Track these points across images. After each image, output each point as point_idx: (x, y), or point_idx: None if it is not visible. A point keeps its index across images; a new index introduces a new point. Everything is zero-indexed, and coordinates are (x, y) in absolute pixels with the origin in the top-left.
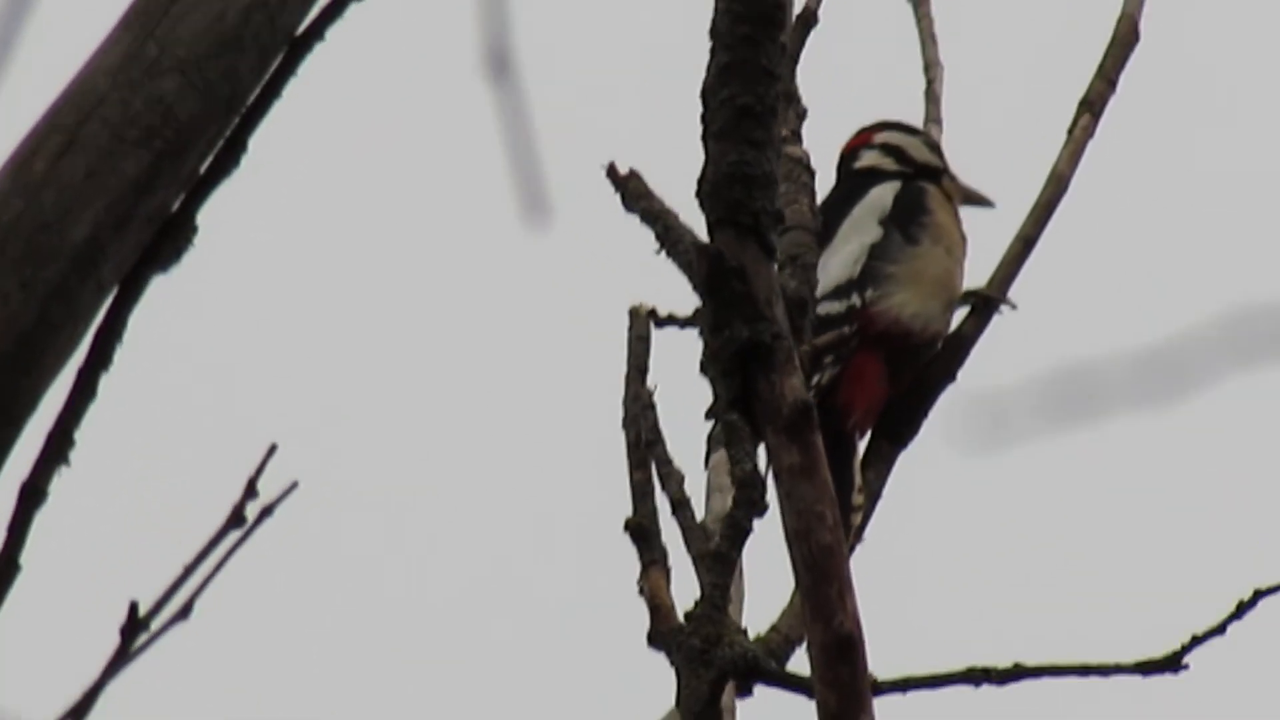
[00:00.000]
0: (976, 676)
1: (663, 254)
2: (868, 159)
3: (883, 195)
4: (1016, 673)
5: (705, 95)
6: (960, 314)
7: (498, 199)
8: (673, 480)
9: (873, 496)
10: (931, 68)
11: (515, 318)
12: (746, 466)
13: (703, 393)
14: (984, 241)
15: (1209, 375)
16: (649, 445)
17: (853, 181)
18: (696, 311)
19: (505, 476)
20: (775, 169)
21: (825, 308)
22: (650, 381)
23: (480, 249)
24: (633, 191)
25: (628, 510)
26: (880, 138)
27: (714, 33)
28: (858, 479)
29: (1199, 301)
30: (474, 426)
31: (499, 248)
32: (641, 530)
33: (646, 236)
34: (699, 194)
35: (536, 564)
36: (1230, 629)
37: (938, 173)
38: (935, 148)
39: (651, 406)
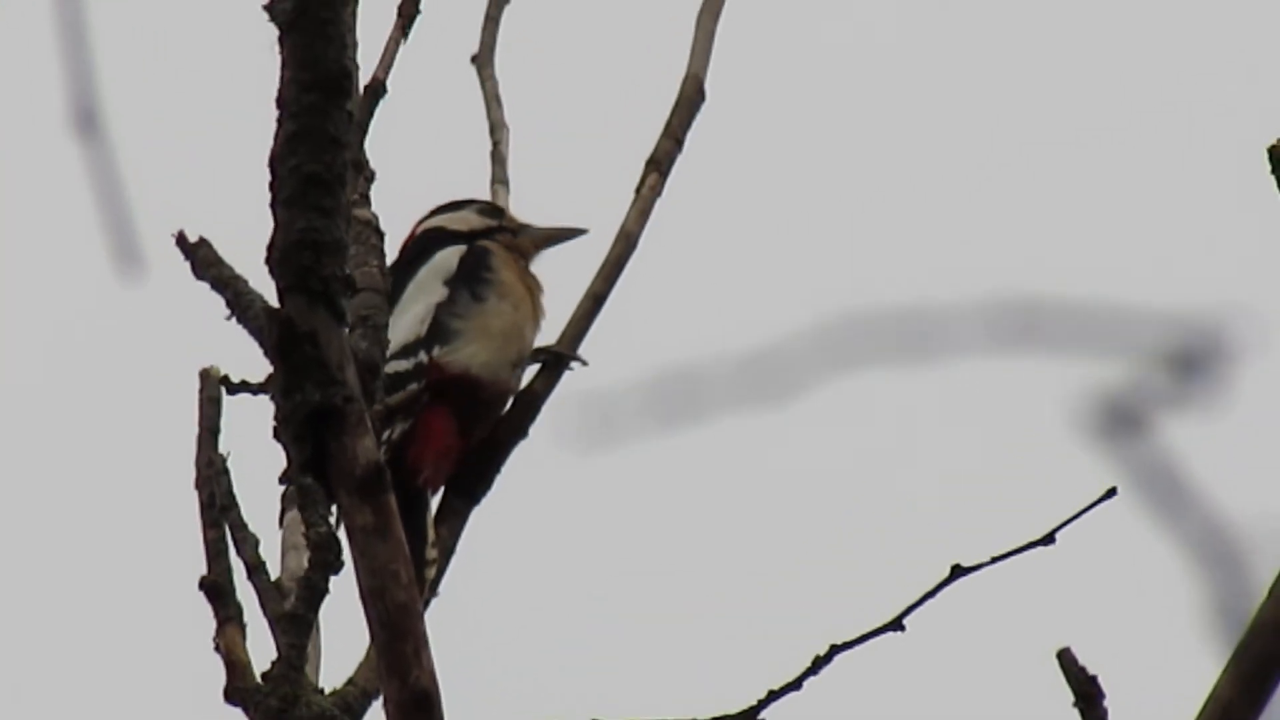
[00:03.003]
0: None
1: (234, 320)
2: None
3: (448, 257)
4: None
5: (273, 163)
6: (531, 371)
7: (91, 252)
8: (248, 545)
9: (446, 552)
10: (497, 129)
11: (97, 374)
12: (321, 529)
13: (277, 456)
14: (555, 299)
15: (808, 378)
16: (224, 510)
17: (419, 245)
18: (269, 378)
19: (79, 533)
20: (344, 235)
21: (393, 366)
22: (224, 446)
23: (72, 302)
24: (202, 259)
25: (203, 569)
26: (421, 229)
27: (281, 101)
28: (431, 534)
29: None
30: (52, 483)
31: (91, 301)
32: (217, 588)
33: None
34: (269, 260)
35: (112, 624)
36: (806, 683)
37: (496, 233)
38: (488, 211)
39: (225, 471)
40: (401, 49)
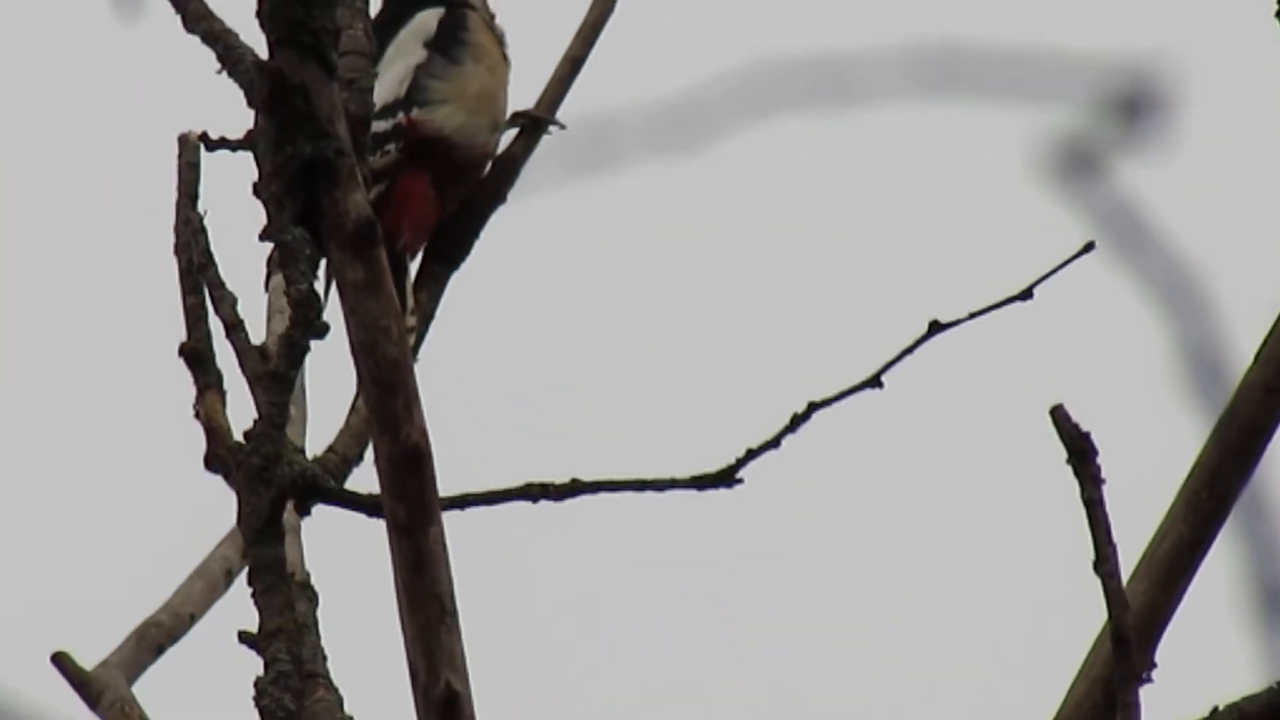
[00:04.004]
0: (534, 492)
1: (224, 74)
2: None
3: (426, 20)
4: (573, 488)
5: None
6: (509, 136)
7: None
8: (225, 304)
9: (426, 318)
10: None
11: (87, 129)
12: (303, 286)
13: (257, 216)
14: (533, 63)
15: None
16: (201, 269)
17: (397, 7)
18: (249, 134)
19: (55, 299)
20: None
21: (373, 127)
22: (201, 206)
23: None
24: (193, 12)
25: (182, 336)
26: None
27: None
28: (411, 300)
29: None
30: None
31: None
32: (196, 354)
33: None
34: (259, 14)
35: (91, 389)
36: (784, 442)
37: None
38: None
39: (202, 230)
40: None
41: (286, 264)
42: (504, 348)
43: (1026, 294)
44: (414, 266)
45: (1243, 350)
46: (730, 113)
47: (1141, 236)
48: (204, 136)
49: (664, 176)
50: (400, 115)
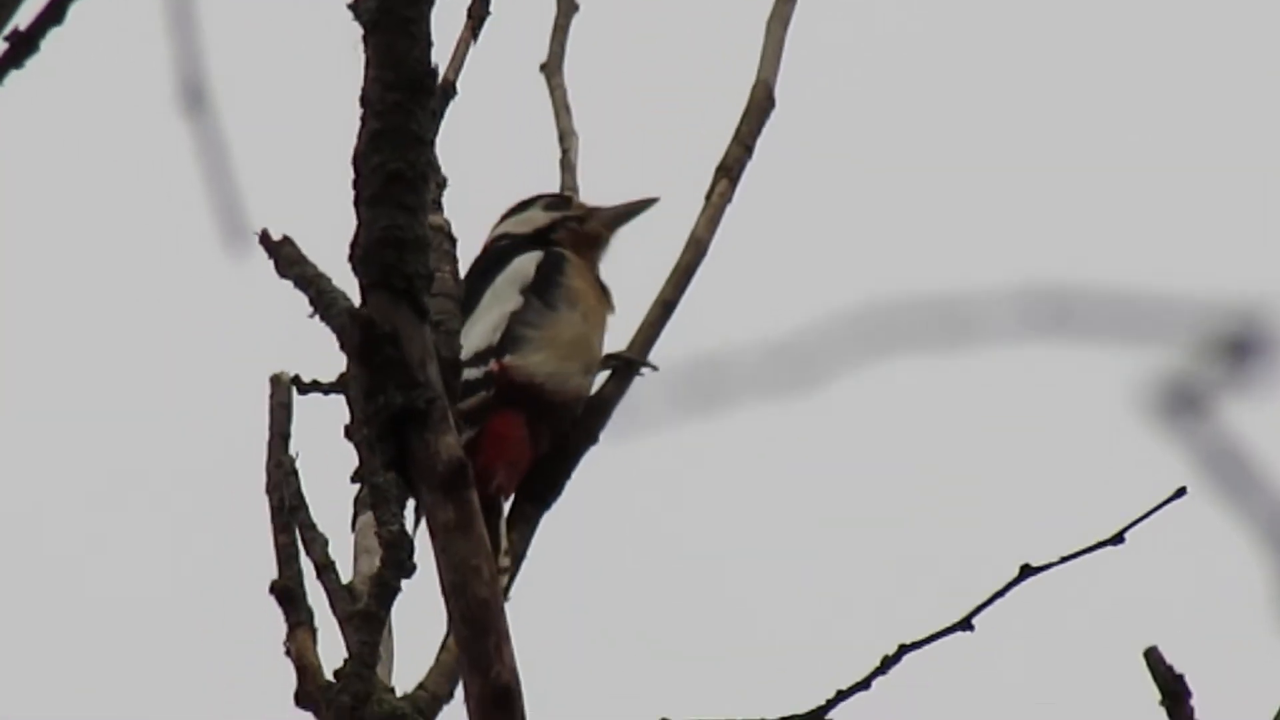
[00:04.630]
0: None
1: (316, 318)
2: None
3: (524, 264)
4: None
5: (357, 161)
6: (602, 377)
7: (196, 229)
8: (317, 545)
9: (517, 558)
10: (566, 137)
11: (183, 365)
12: (394, 528)
13: (348, 457)
14: (627, 306)
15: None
16: (292, 510)
17: (493, 253)
18: (340, 377)
19: (154, 529)
20: (427, 233)
21: (466, 374)
22: (294, 447)
23: (176, 283)
24: (286, 257)
25: (274, 573)
26: (492, 237)
27: (364, 100)
28: (504, 541)
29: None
30: (130, 486)
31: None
32: (288, 592)
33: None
34: (352, 258)
35: (186, 627)
36: (875, 683)
37: (565, 224)
38: (555, 204)
39: (294, 472)
40: (471, 50)
41: (378, 505)
42: (595, 587)
43: (1118, 538)
44: (506, 506)
45: None
46: (838, 353)
47: (1245, 477)
48: (296, 379)
49: (770, 417)
50: (493, 362)
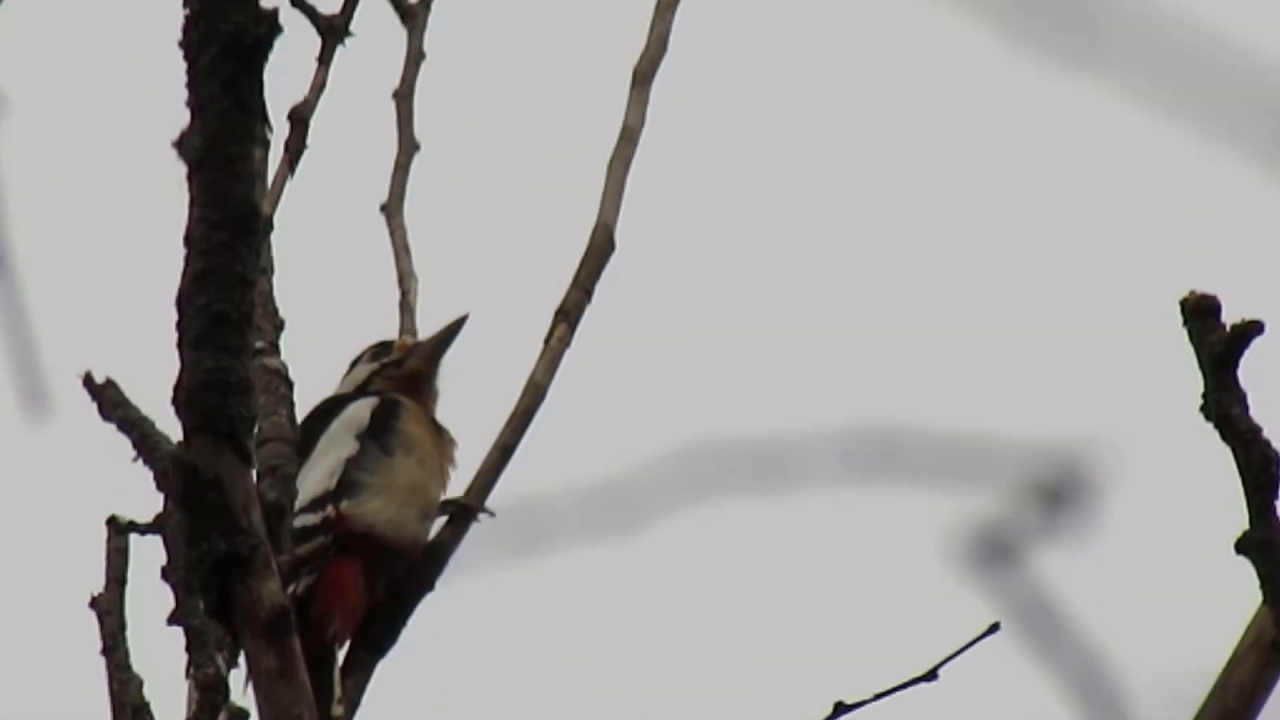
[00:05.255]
0: None
1: (139, 462)
2: None
3: (360, 411)
4: None
5: (180, 302)
6: (439, 524)
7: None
8: (131, 685)
9: (352, 704)
10: (406, 279)
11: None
12: (209, 670)
13: (166, 596)
14: (465, 450)
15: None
16: (109, 650)
17: (330, 400)
18: (157, 518)
19: None
20: (250, 376)
21: (302, 520)
22: (112, 588)
23: None
24: (109, 400)
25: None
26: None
27: (188, 239)
28: (338, 689)
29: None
30: None
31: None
32: None
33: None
34: (175, 401)
35: None
36: None
37: (386, 370)
38: (376, 352)
39: (109, 612)
40: (288, 185)
41: (193, 647)
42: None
43: (931, 675)
44: (342, 654)
45: None
46: (664, 496)
47: (1053, 625)
48: (113, 520)
49: (599, 560)
50: (329, 508)
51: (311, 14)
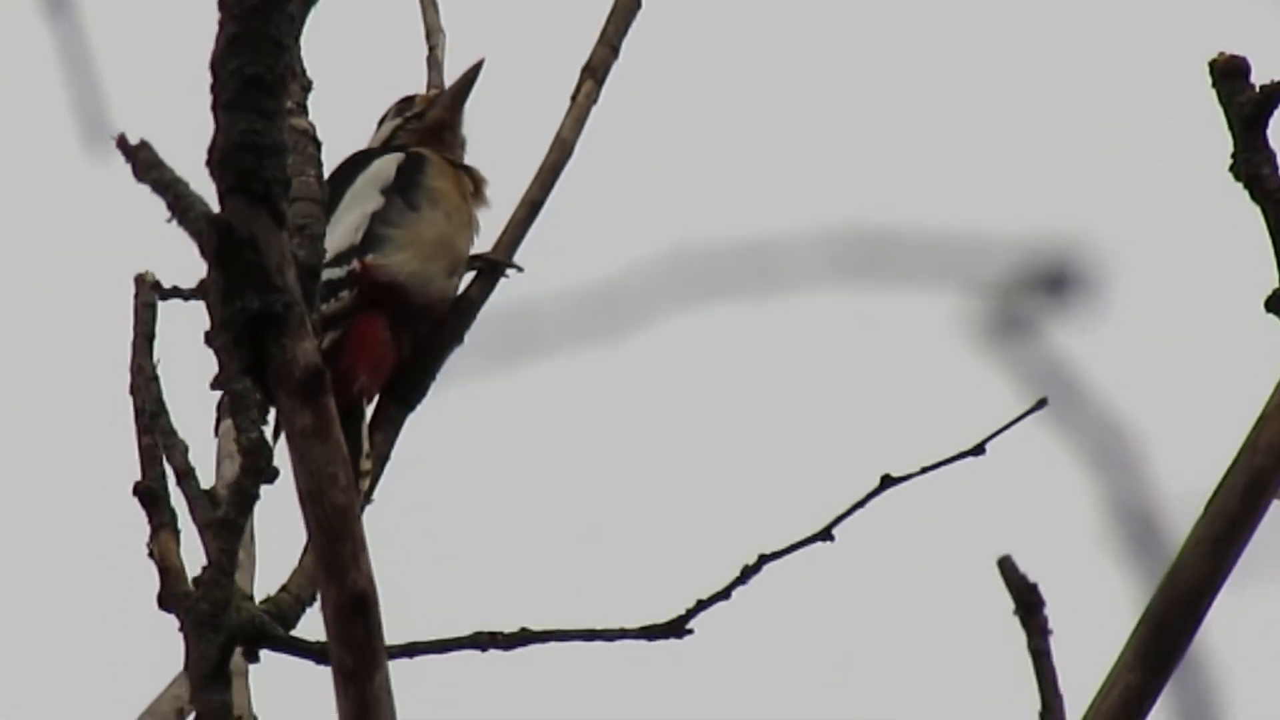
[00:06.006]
0: (483, 641)
1: (174, 223)
2: None
3: (385, 165)
4: (523, 637)
5: (214, 66)
6: (468, 279)
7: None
8: (177, 451)
9: (381, 459)
10: (433, 34)
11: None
12: (252, 434)
13: (208, 363)
14: (493, 207)
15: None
16: (153, 416)
17: (356, 156)
18: (201, 284)
19: (16, 431)
20: (285, 139)
21: (327, 274)
22: (157, 353)
23: (37, 186)
24: (143, 161)
25: (137, 475)
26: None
27: (222, 4)
28: (366, 443)
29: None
30: None
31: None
32: (151, 493)
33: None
34: (209, 163)
35: (48, 528)
36: (735, 593)
37: (409, 124)
38: (400, 108)
39: (155, 378)
40: None
41: (237, 412)
42: (458, 495)
43: (979, 449)
44: (370, 408)
45: (1177, 506)
46: (653, 299)
47: (1075, 398)
48: (157, 285)
49: (591, 364)
50: (354, 261)
51: None
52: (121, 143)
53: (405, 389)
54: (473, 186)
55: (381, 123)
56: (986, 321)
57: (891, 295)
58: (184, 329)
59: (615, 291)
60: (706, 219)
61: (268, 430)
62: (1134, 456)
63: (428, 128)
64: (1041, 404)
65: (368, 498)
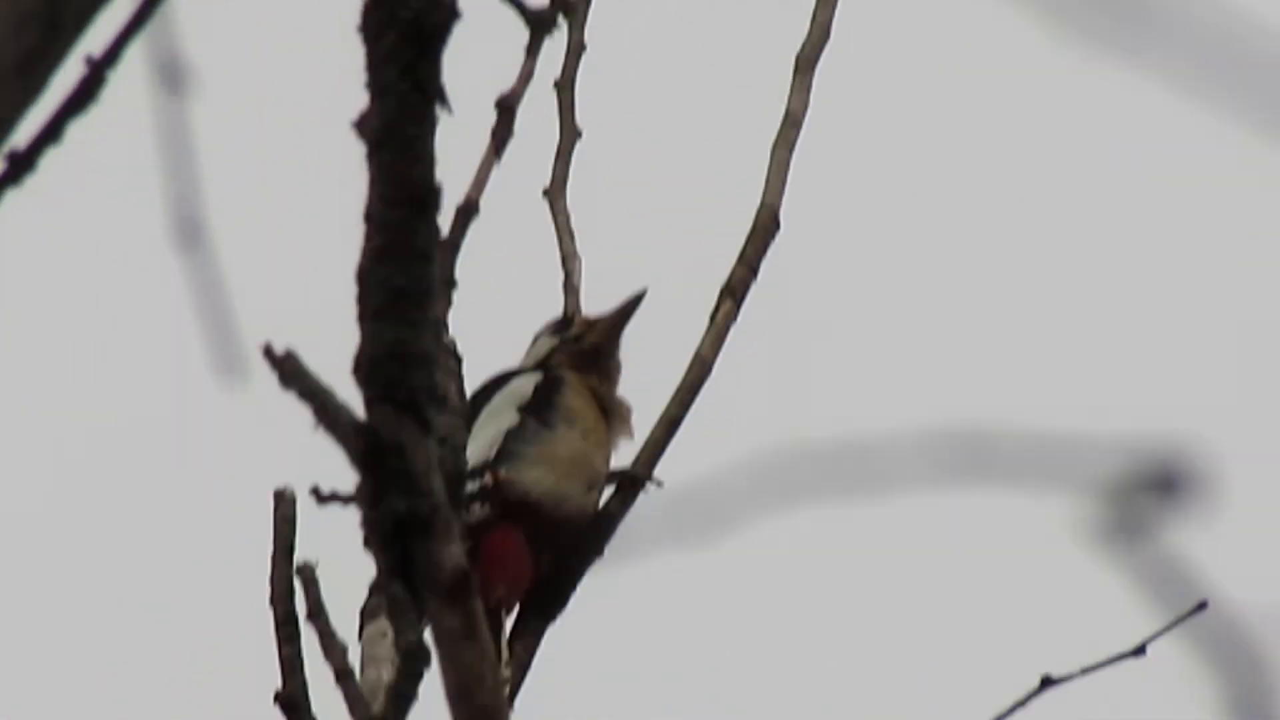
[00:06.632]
0: None
1: (321, 431)
2: None
3: (523, 385)
4: None
5: (361, 277)
6: (608, 494)
7: (192, 364)
8: (336, 651)
9: (522, 669)
10: (569, 260)
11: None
12: (411, 638)
13: (361, 568)
14: (635, 437)
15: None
16: (312, 616)
17: (498, 376)
18: (358, 489)
19: (162, 644)
20: (433, 348)
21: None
22: (312, 557)
23: (171, 411)
24: (289, 371)
25: (279, 684)
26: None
27: (368, 216)
28: (505, 652)
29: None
30: (145, 598)
31: (190, 412)
32: (292, 702)
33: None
34: (355, 372)
35: None
36: None
37: (566, 345)
38: (556, 327)
39: (314, 581)
40: (495, 171)
41: (396, 615)
42: (601, 697)
43: (1140, 650)
44: (510, 621)
45: None
46: (755, 499)
47: (1193, 596)
48: (315, 490)
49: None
50: (487, 475)
51: (520, 6)
52: (268, 352)
53: (546, 601)
54: (620, 416)
55: (536, 340)
56: (1104, 523)
57: (999, 496)
58: (334, 537)
59: (711, 490)
60: (817, 418)
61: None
62: (1254, 654)
63: (585, 351)
64: (1203, 606)
65: (509, 705)
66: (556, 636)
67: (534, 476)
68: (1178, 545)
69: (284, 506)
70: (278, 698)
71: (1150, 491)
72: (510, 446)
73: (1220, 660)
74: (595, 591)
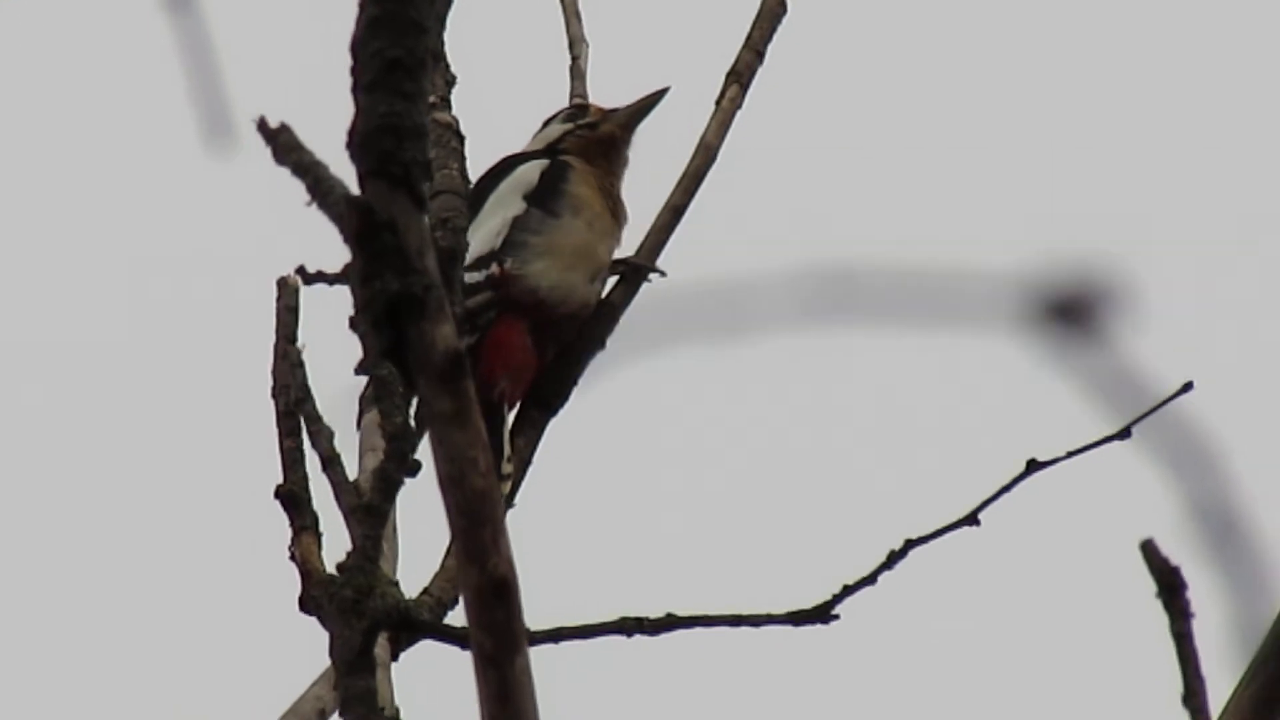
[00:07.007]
0: (629, 626)
1: (314, 207)
2: None
3: (528, 172)
4: (669, 622)
5: (354, 48)
6: (610, 283)
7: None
8: (322, 437)
9: (523, 463)
10: (576, 44)
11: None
12: (397, 420)
13: (353, 350)
14: (636, 211)
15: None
16: (298, 403)
17: (504, 160)
18: (346, 268)
19: (152, 435)
20: (425, 121)
21: (467, 277)
22: (300, 339)
23: (161, 184)
24: (283, 144)
25: (279, 478)
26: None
27: None
28: (507, 447)
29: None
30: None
31: (180, 182)
32: (293, 496)
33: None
34: (349, 146)
35: (190, 531)
36: (881, 578)
37: (579, 131)
38: (572, 114)
39: (300, 365)
40: None
41: (381, 398)
42: (602, 488)
43: (1124, 433)
44: (511, 413)
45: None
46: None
47: (1139, 398)
48: (301, 269)
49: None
50: (494, 266)
51: None
52: (261, 126)
53: (548, 394)
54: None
55: (547, 124)
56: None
57: (865, 331)
58: (326, 320)
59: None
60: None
61: (412, 419)
62: (1206, 455)
63: (597, 139)
64: (1188, 387)
65: (510, 501)
66: (556, 430)
67: (539, 269)
68: (1120, 352)
69: (287, 295)
70: (278, 492)
71: (1071, 311)
72: (516, 236)
73: (1178, 461)
74: (595, 384)
